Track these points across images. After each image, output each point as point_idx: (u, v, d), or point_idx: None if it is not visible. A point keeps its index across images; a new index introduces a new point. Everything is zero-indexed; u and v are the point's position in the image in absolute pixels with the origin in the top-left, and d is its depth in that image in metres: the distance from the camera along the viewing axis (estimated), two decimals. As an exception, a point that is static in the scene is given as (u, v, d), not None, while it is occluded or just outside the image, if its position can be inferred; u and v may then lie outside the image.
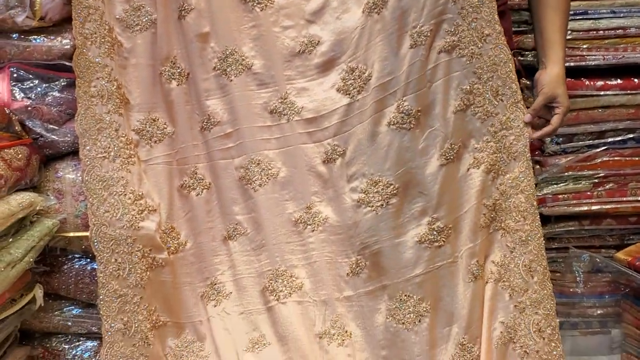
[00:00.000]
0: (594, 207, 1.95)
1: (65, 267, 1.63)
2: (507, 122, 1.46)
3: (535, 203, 1.48)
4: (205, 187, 1.61)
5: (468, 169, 1.52)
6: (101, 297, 1.47)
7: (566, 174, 1.93)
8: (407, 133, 1.48)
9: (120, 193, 1.49)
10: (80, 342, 1.67)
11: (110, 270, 1.46)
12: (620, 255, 1.89)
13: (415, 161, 1.50)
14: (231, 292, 1.62)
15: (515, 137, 1.46)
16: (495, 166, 1.49)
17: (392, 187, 1.49)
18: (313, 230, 1.58)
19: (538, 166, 1.93)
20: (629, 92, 1.87)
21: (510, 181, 1.47)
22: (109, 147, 1.50)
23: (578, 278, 2.00)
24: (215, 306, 1.62)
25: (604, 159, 1.92)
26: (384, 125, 1.49)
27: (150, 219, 1.52)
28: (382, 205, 1.49)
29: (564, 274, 2.02)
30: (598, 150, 1.92)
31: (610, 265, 1.93)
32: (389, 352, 1.52)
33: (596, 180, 1.94)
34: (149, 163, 1.59)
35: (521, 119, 1.45)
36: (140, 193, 1.52)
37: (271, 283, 1.58)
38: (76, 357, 1.66)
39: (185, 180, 1.61)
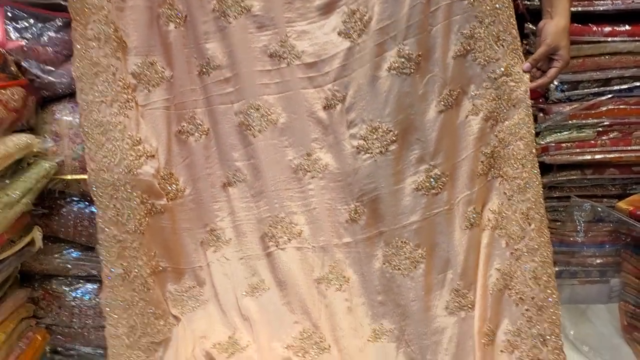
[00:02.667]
0: (597, 156, 1.98)
1: (64, 209, 1.68)
2: (508, 68, 1.49)
3: (534, 150, 1.52)
4: (204, 132, 1.65)
5: (467, 116, 1.56)
6: (100, 242, 1.53)
7: (570, 122, 1.95)
8: (407, 78, 1.50)
9: (118, 138, 1.52)
10: (80, 285, 1.76)
11: (109, 216, 1.52)
12: (621, 204, 1.92)
13: (414, 107, 1.53)
14: (231, 239, 1.69)
15: (515, 84, 1.49)
16: (494, 113, 1.53)
17: (391, 133, 1.52)
18: (313, 177, 1.63)
19: (541, 114, 1.95)
20: (637, 38, 1.87)
21: (509, 128, 1.51)
22: (107, 92, 1.52)
23: (579, 227, 2.05)
24: (214, 252, 1.69)
25: (609, 107, 1.94)
26: (384, 70, 1.51)
27: (148, 165, 1.56)
28: (382, 152, 1.54)
29: (564, 223, 2.08)
30: (603, 98, 1.93)
31: (611, 214, 1.97)
32: (384, 297, 1.60)
33: (600, 129, 1.97)
34: (147, 108, 1.61)
35: (520, 66, 1.48)
36: (138, 138, 1.56)
37: (270, 229, 1.65)
38: (76, 299, 1.74)
39: (184, 126, 1.65)
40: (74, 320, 1.75)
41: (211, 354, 1.54)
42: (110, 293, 1.54)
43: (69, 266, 1.73)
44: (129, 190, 1.53)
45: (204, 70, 1.61)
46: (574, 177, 2.05)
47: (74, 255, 1.73)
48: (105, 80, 1.52)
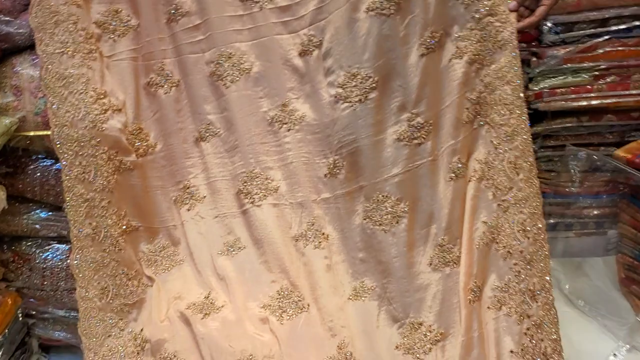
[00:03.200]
0: (594, 102, 1.89)
1: (29, 168, 1.63)
2: (493, 7, 1.40)
3: (522, 95, 1.42)
4: (174, 84, 1.59)
5: (450, 60, 1.48)
6: (67, 201, 1.47)
7: (565, 66, 1.85)
8: (386, 20, 1.42)
9: (81, 91, 1.46)
10: (51, 246, 1.71)
11: (75, 174, 1.46)
12: (619, 152, 1.85)
13: (395, 51, 1.45)
14: (205, 196, 1.63)
15: (501, 24, 1.40)
16: (480, 56, 1.44)
17: (370, 80, 1.45)
18: (289, 130, 1.57)
19: (534, 58, 1.86)
20: (636, -27, 1.78)
21: (495, 72, 1.43)
22: (67, 42, 1.46)
23: (574, 177, 1.98)
24: (188, 210, 1.63)
25: (607, 49, 1.83)
26: (362, 12, 1.43)
27: (115, 119, 1.50)
28: (361, 100, 1.46)
29: (559, 173, 2.00)
30: (600, 39, 1.83)
31: (608, 163, 1.90)
32: (365, 254, 1.54)
33: (597, 73, 1.87)
34: (112, 59, 1.56)
35: (506, 4, 1.39)
36: (103, 91, 1.50)
37: (245, 186, 1.59)
38: (47, 261, 1.70)
39: (152, 78, 1.58)
40: (46, 282, 1.71)
41: (186, 315, 1.49)
42: (80, 254, 1.48)
43: (38, 227, 1.68)
44: (95, 146, 1.46)
45: (172, 17, 1.55)
46: (569, 124, 1.96)
47: (42, 215, 1.68)
48: (66, 30, 1.46)
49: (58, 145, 1.45)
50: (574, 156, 1.97)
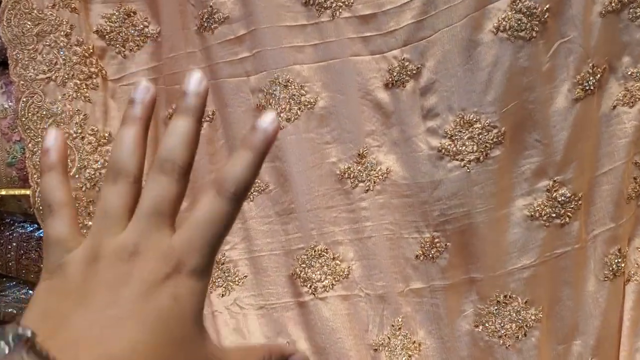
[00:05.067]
0: None
1: (2, 236, 1.26)
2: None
3: None
4: (207, 118, 1.23)
5: (614, 107, 1.12)
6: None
7: None
8: (525, 45, 1.05)
9: (74, 136, 1.10)
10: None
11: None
12: None
13: (534, 92, 1.07)
14: (246, 276, 1.25)
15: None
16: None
17: (495, 130, 1.08)
18: (367, 190, 1.18)
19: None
20: None
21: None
22: (56, 63, 1.11)
23: None
24: (222, 295, 1.26)
25: None
26: (487, 32, 1.06)
27: (123, 174, 1.11)
28: (479, 159, 1.09)
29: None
30: None
31: None
32: (477, 376, 1.15)
33: None
34: (121, 83, 1.21)
35: None
36: (106, 134, 1.14)
37: (304, 268, 1.20)
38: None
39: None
40: None
41: None
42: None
43: (16, 311, 1.32)
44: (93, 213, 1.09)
45: (205, 24, 1.17)
46: None
47: (21, 295, 1.31)
48: (55, 45, 1.11)
49: (41, 212, 1.08)
50: None
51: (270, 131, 0.40)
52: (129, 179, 0.40)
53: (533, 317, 1.12)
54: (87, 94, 1.12)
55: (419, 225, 1.16)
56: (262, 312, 1.24)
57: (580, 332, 1.15)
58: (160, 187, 0.39)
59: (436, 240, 1.14)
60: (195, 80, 0.42)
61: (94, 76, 1.13)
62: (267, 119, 0.40)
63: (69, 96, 1.10)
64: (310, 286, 1.20)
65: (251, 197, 1.23)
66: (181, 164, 0.40)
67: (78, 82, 1.11)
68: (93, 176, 1.09)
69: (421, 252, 1.16)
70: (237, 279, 1.25)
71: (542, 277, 1.13)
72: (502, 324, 1.13)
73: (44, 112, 1.09)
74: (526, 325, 1.12)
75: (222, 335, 1.24)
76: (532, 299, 1.13)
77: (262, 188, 1.21)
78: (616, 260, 1.13)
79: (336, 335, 1.18)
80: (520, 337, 1.13)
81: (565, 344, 1.15)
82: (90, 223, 1.13)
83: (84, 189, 1.07)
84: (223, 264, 1.24)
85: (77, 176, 1.08)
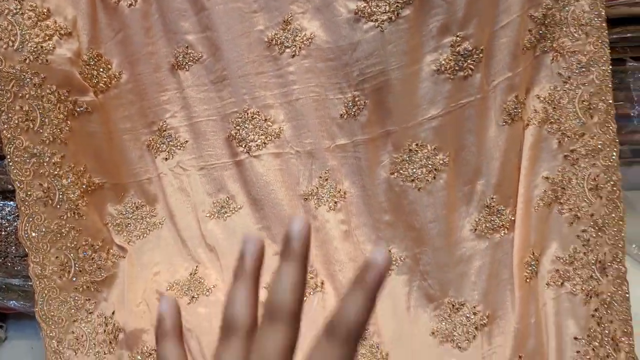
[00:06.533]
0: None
1: None
2: None
3: (602, 12, 1.16)
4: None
5: None
6: (9, 157, 1.17)
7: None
8: None
9: (15, 12, 1.13)
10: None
11: (16, 121, 1.15)
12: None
13: None
14: (187, 141, 1.34)
15: None
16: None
17: None
18: (294, 55, 1.25)
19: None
20: None
21: (570, -19, 1.13)
22: None
23: (636, 97, 1.71)
24: (166, 159, 1.35)
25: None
26: None
27: (63, 47, 1.18)
28: (391, 18, 1.14)
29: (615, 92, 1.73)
30: None
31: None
32: (393, 216, 1.27)
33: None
34: None
35: None
36: (45, 9, 1.17)
37: (239, 130, 1.29)
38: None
39: (111, -14, 1.24)
40: (-8, 249, 1.44)
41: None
42: (30, 223, 1.21)
43: None
44: (39, 85, 1.16)
45: None
46: (632, 34, 1.66)
47: None
48: None
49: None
50: (633, 72, 1.69)
51: (384, 269, 0.39)
52: (242, 333, 0.42)
53: (441, 162, 1.21)
54: (22, -28, 1.14)
55: (342, 86, 1.23)
56: (204, 172, 1.33)
57: (483, 174, 1.23)
58: (273, 337, 0.40)
59: (357, 99, 1.22)
60: (298, 225, 0.43)
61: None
62: (379, 256, 0.40)
63: (5, -27, 1.12)
64: (245, 146, 1.29)
65: (187, 67, 1.29)
66: (290, 310, 0.41)
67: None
68: (35, 49, 1.14)
69: (345, 111, 1.24)
70: (178, 144, 1.34)
71: (449, 125, 1.20)
72: (414, 169, 1.22)
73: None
74: (435, 169, 1.21)
75: (167, 194, 1.35)
76: (440, 146, 1.21)
77: (197, 57, 1.28)
78: (514, 107, 1.20)
79: (270, 188, 1.28)
80: (430, 180, 1.21)
81: (470, 184, 1.24)
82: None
83: (27, 61, 1.14)
84: (164, 130, 1.33)
85: (19, 50, 1.14)
